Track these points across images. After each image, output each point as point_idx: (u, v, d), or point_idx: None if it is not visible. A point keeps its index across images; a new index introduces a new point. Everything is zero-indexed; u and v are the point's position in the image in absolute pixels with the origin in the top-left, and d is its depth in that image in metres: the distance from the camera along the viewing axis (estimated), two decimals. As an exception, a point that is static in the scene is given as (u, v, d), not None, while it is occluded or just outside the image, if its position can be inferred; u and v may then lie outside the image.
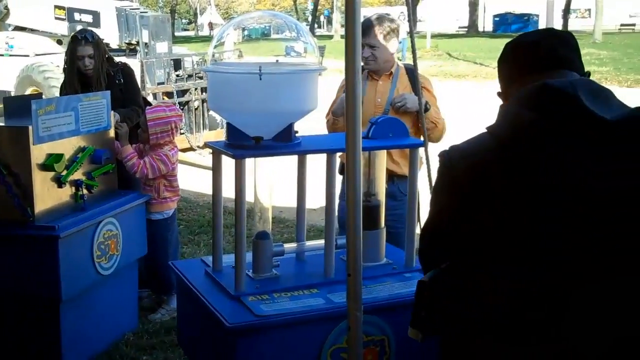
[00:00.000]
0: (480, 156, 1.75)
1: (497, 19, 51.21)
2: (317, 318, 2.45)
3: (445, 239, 1.86)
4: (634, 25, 50.82)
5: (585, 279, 1.63)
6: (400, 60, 4.31)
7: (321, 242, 2.80)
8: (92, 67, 4.72)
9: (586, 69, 1.87)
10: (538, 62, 1.82)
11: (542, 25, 36.85)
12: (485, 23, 52.95)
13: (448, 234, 1.84)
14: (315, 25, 58.30)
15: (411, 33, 3.22)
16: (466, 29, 47.91)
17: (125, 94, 4.82)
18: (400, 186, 3.90)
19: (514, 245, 1.67)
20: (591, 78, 1.84)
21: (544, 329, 1.66)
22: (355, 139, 2.06)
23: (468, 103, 14.78)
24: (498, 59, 1.94)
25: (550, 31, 1.93)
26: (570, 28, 37.15)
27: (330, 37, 42.77)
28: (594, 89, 1.70)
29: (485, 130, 1.79)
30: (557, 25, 32.80)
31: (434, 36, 35.28)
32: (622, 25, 50.58)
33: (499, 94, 1.93)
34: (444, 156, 1.84)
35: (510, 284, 1.68)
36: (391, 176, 3.80)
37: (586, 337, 1.64)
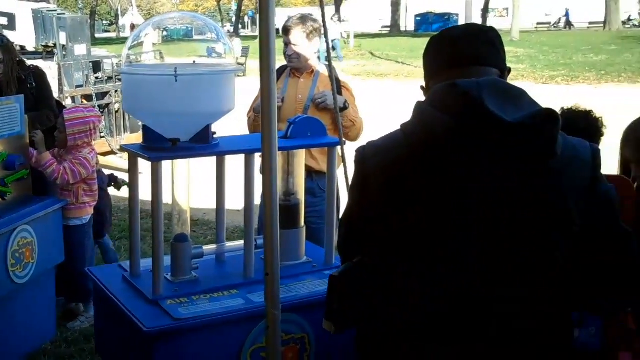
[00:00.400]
0: (393, 154, 1.75)
1: (418, 18, 51.91)
2: (236, 319, 2.43)
3: (357, 234, 1.87)
4: (549, 23, 52.51)
5: (497, 280, 1.65)
6: (320, 60, 4.37)
7: (241, 242, 2.78)
8: (1, 71, 4.58)
9: None
10: (455, 57, 1.79)
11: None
12: (407, 22, 53.71)
13: (360, 229, 1.85)
14: (240, 26, 57.98)
15: (325, 32, 3.25)
16: (389, 29, 48.50)
17: (38, 97, 4.71)
18: (320, 182, 3.94)
19: (430, 246, 1.68)
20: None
21: (466, 329, 1.67)
22: (271, 139, 2.06)
23: (389, 102, 14.92)
24: (423, 52, 1.91)
25: (471, 26, 1.88)
26: (488, 27, 37.98)
27: (255, 37, 42.54)
28: (502, 89, 1.68)
29: (400, 128, 1.77)
30: (476, 24, 33.48)
31: (357, 36, 35.57)
32: (538, 23, 52.21)
33: (422, 88, 1.90)
34: (359, 152, 1.84)
35: (431, 285, 1.69)
36: (310, 172, 3.83)
37: (504, 337, 1.67)
